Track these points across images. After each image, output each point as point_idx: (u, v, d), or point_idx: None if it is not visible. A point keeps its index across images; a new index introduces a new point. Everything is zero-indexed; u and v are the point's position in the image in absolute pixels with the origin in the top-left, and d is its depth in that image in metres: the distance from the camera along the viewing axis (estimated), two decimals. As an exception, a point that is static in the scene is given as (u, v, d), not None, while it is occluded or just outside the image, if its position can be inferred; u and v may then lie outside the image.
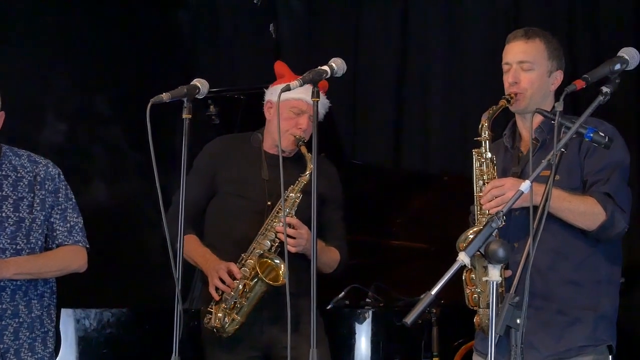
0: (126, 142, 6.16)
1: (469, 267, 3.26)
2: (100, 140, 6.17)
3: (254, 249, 3.93)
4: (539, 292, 3.27)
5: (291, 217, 3.91)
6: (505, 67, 3.46)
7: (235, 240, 3.98)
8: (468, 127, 5.45)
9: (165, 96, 3.15)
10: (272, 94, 4.05)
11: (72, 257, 3.73)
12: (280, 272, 3.85)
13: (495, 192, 3.25)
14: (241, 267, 3.91)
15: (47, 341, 3.70)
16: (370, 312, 4.61)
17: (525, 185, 2.68)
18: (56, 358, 4.00)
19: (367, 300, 4.93)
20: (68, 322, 4.21)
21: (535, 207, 2.81)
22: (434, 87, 6.14)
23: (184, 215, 3.14)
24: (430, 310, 4.55)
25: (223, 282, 3.88)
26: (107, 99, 6.17)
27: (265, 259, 3.90)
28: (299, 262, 3.81)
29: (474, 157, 3.43)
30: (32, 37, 5.85)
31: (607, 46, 5.40)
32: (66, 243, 3.71)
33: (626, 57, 2.96)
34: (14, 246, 3.62)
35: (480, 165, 3.41)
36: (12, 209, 3.64)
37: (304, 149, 3.93)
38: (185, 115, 3.18)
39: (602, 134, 2.92)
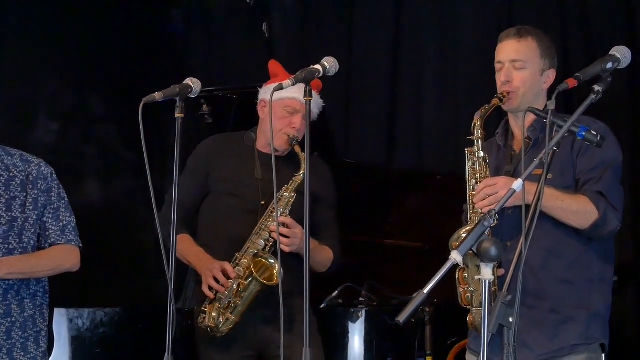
0: (119, 141, 6.14)
1: (462, 265, 3.27)
2: (93, 140, 6.16)
3: (248, 248, 3.93)
4: (531, 290, 3.28)
5: (285, 216, 3.91)
6: (497, 66, 3.47)
7: (229, 239, 3.98)
8: (460, 126, 5.46)
9: (157, 95, 3.15)
10: (265, 93, 4.06)
11: (65, 257, 3.73)
12: (275, 271, 3.85)
13: (488, 191, 3.26)
14: (235, 267, 3.91)
15: (39, 340, 3.70)
16: (364, 311, 4.62)
17: (517, 184, 2.68)
18: (49, 357, 3.99)
19: (361, 299, 4.93)
20: (61, 322, 4.20)
21: (528, 206, 2.81)
22: (427, 86, 6.14)
23: (177, 214, 3.14)
24: (424, 309, 4.55)
25: (217, 281, 3.88)
26: (100, 98, 6.15)
27: (259, 259, 3.90)
28: (292, 262, 3.81)
29: (466, 156, 3.43)
30: (23, 36, 5.84)
31: (599, 45, 5.41)
32: (59, 242, 3.71)
33: (618, 55, 2.96)
34: (7, 245, 3.61)
35: (473, 164, 3.41)
36: (4, 209, 3.63)
37: (297, 149, 3.94)
38: (178, 115, 3.18)
39: (595, 133, 2.92)
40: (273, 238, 3.90)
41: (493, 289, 3.19)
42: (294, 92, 3.67)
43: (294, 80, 3.10)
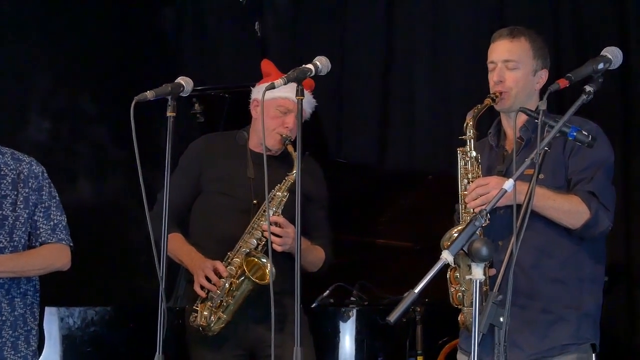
0: (110, 140, 6.14)
1: (452, 265, 3.27)
2: (85, 138, 6.15)
3: (240, 247, 3.92)
4: (523, 290, 3.28)
5: (278, 215, 3.90)
6: (490, 66, 3.47)
7: (221, 238, 3.98)
8: (453, 125, 5.46)
9: (149, 94, 3.14)
10: (258, 92, 4.05)
11: (56, 256, 3.72)
12: (267, 270, 3.85)
13: (480, 191, 3.26)
14: (227, 266, 3.90)
15: (30, 339, 3.69)
16: (355, 311, 4.62)
17: (508, 184, 2.68)
18: (40, 356, 3.98)
19: (352, 298, 4.93)
20: (52, 321, 4.20)
21: (519, 206, 2.81)
22: (419, 85, 6.14)
23: (168, 213, 3.14)
24: (415, 308, 4.56)
25: (209, 280, 3.88)
26: (92, 97, 6.14)
27: (252, 258, 3.90)
28: (284, 261, 3.81)
29: (458, 155, 3.43)
30: (16, 35, 5.83)
31: (591, 45, 5.42)
32: (50, 241, 3.71)
33: (609, 56, 2.97)
34: (-3, 244, 3.61)
35: (465, 164, 3.42)
36: (-5, 207, 3.63)
37: (290, 148, 3.93)
38: (170, 114, 3.18)
39: (586, 133, 2.92)
40: (265, 237, 3.89)
41: (484, 288, 3.19)
42: (287, 91, 3.67)
43: (286, 79, 3.10)
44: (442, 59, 6.07)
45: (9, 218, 3.64)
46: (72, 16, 6.07)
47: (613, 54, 2.97)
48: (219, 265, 3.89)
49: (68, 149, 6.08)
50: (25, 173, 3.70)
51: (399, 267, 5.29)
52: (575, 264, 3.36)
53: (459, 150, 3.43)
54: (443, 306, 3.50)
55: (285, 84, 3.11)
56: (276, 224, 3.86)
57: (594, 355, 3.40)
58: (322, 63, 3.18)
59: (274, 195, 3.93)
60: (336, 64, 3.31)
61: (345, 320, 4.59)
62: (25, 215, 3.68)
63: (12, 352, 3.63)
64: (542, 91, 3.44)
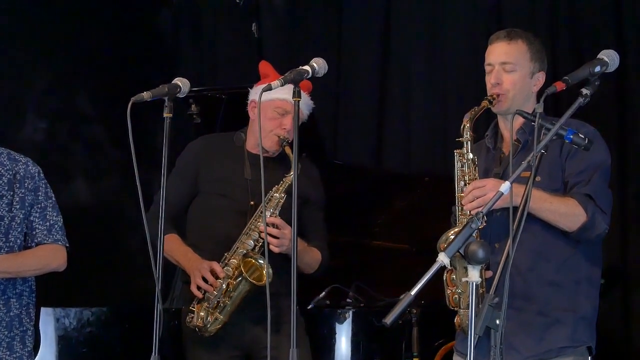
0: (107, 140, 6.14)
1: (449, 267, 3.27)
2: (81, 139, 6.15)
3: (237, 248, 3.92)
4: (519, 293, 3.28)
5: (275, 217, 3.90)
6: (487, 68, 3.47)
7: (218, 239, 3.98)
8: (450, 127, 5.47)
9: (146, 95, 3.14)
10: (256, 93, 4.04)
11: (52, 256, 3.72)
12: (264, 272, 3.85)
13: (477, 193, 3.26)
14: (224, 267, 3.90)
15: (25, 340, 3.69)
16: (351, 312, 4.62)
17: (505, 186, 2.68)
18: (35, 357, 3.98)
19: (348, 300, 4.93)
20: (48, 321, 4.19)
21: (516, 208, 2.81)
22: (416, 87, 6.14)
23: (165, 214, 3.14)
24: (411, 310, 4.55)
25: (206, 281, 3.88)
26: (88, 98, 6.14)
27: (249, 259, 3.90)
28: (281, 263, 3.80)
29: (455, 157, 3.43)
30: (12, 35, 5.82)
31: (588, 48, 5.43)
32: (45, 242, 3.70)
33: (606, 59, 2.97)
34: (-7, 245, 3.61)
35: (462, 166, 3.41)
36: (-9, 207, 3.63)
37: (288, 150, 3.92)
38: (166, 114, 3.18)
39: (582, 136, 2.92)
40: (262, 238, 3.89)
41: (481, 290, 3.19)
42: (285, 93, 3.67)
43: (283, 81, 3.11)
44: (439, 61, 6.07)
45: (5, 218, 3.64)
46: (69, 16, 6.06)
47: (610, 57, 2.98)
48: (216, 266, 3.88)
49: (64, 149, 6.08)
50: (22, 173, 3.70)
51: (395, 269, 5.29)
52: (571, 267, 3.36)
53: (455, 152, 3.43)
54: (439, 308, 3.50)
55: (282, 85, 3.12)
56: (273, 225, 3.86)
57: (589, 358, 3.39)
58: (319, 65, 3.18)
59: (272, 196, 3.93)
60: (333, 65, 3.31)
61: (341, 322, 4.59)
62: (21, 216, 3.67)
63: (8, 353, 3.62)
64: (540, 93, 3.44)
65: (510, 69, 3.42)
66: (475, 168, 3.41)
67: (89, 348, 4.29)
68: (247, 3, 6.54)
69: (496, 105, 3.41)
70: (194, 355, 4.00)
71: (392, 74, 6.25)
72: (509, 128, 3.43)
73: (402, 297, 2.59)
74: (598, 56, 2.99)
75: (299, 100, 3.13)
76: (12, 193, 3.67)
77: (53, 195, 3.78)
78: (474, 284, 2.62)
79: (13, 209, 3.66)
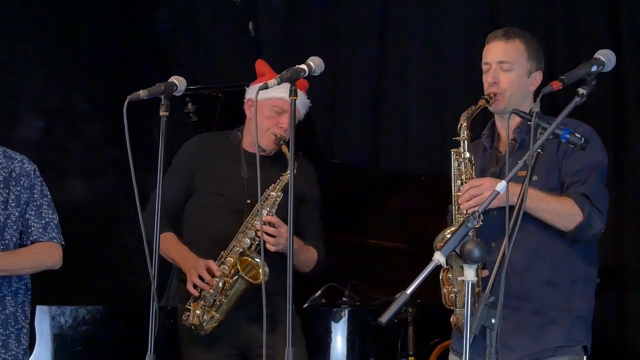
0: (103, 139, 6.13)
1: (445, 266, 3.27)
2: (77, 137, 6.14)
3: (233, 246, 3.92)
4: (515, 292, 3.28)
5: (271, 215, 3.90)
6: (484, 67, 3.47)
7: (214, 238, 3.98)
8: (447, 126, 5.46)
9: (142, 93, 3.14)
10: (252, 92, 4.05)
11: (47, 254, 3.72)
12: (261, 270, 3.85)
13: (473, 192, 3.26)
14: (220, 265, 3.90)
15: (21, 338, 3.69)
16: (347, 311, 4.62)
17: (501, 185, 2.68)
18: (31, 355, 3.97)
19: (344, 299, 4.93)
20: (43, 319, 4.18)
21: (512, 207, 2.81)
22: (413, 86, 6.14)
23: (161, 213, 3.13)
24: (407, 309, 4.56)
25: (202, 279, 3.87)
26: (85, 96, 6.13)
27: (245, 257, 3.90)
28: (277, 261, 3.80)
29: (452, 156, 3.43)
30: (8, 33, 5.81)
31: (584, 47, 5.43)
32: (41, 240, 3.70)
33: (603, 59, 2.97)
34: (-12, 243, 3.60)
35: (459, 165, 3.41)
36: (-14, 205, 3.62)
37: (285, 149, 3.92)
38: (163, 113, 3.18)
39: (579, 136, 2.92)
40: (259, 237, 3.88)
41: (477, 290, 3.20)
42: (282, 91, 3.67)
43: (279, 79, 3.11)
44: (436, 60, 6.07)
45: (0, 216, 3.63)
46: (66, 15, 6.05)
47: (606, 57, 2.98)
48: (212, 265, 3.88)
49: (60, 147, 6.07)
50: (17, 171, 3.69)
51: (391, 267, 5.28)
52: (567, 266, 3.36)
53: (452, 151, 3.43)
54: (435, 307, 3.50)
55: (278, 84, 3.12)
56: (270, 223, 3.86)
57: (585, 357, 3.40)
58: (315, 63, 3.18)
59: (268, 195, 3.92)
60: (329, 64, 3.31)
61: (337, 321, 4.59)
62: (16, 214, 3.67)
63: (3, 351, 3.62)
64: (537, 93, 3.44)
65: (508, 68, 3.42)
66: (472, 167, 3.41)
67: (85, 346, 4.28)
68: (244, 2, 6.54)
69: (493, 104, 3.41)
70: (190, 354, 4.00)
71: (389, 73, 6.24)
72: (505, 127, 3.43)
73: (398, 296, 2.60)
74: (595, 56, 2.99)
75: (295, 99, 3.13)
76: (7, 191, 3.66)
77: (49, 193, 3.78)
78: (470, 283, 2.62)
79: (8, 206, 3.65)
